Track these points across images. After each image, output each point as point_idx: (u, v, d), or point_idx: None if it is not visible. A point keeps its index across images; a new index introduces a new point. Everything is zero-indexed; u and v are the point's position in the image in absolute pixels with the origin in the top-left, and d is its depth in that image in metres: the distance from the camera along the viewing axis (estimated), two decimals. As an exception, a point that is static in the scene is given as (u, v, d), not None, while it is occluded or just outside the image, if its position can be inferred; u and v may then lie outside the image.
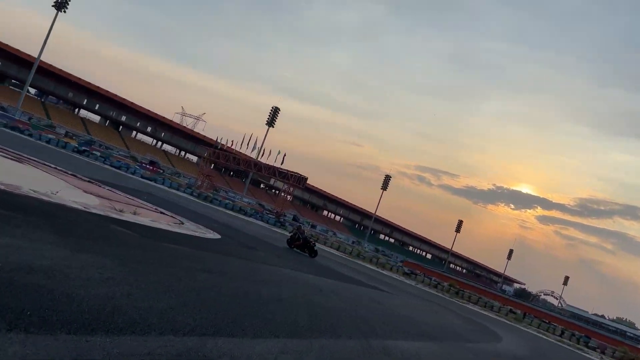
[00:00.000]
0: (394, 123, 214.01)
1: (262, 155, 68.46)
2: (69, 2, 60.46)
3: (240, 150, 70.07)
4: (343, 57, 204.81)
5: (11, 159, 17.28)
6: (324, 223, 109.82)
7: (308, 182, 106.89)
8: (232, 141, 67.56)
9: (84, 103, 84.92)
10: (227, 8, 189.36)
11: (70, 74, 78.56)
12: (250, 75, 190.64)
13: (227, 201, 46.26)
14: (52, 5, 59.13)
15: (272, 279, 10.61)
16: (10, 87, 77.49)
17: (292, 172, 59.72)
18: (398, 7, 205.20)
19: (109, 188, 19.52)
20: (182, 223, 17.25)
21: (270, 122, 78.73)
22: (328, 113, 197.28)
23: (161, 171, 66.14)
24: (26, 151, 24.29)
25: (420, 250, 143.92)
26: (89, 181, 19.31)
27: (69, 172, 19.76)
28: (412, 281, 42.01)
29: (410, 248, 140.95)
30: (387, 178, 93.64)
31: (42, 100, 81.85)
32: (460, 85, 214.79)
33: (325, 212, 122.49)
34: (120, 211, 12.89)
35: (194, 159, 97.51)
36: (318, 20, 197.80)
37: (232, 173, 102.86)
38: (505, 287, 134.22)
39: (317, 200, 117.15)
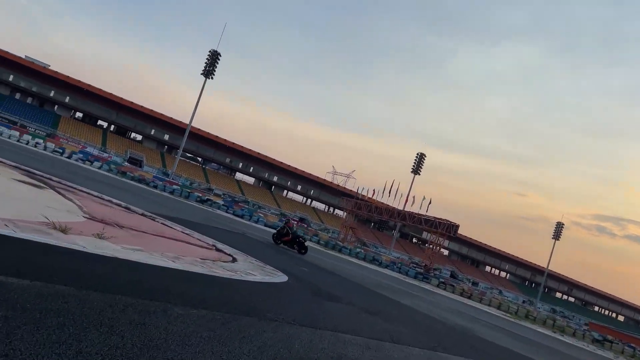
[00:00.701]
0: (564, 169, 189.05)
1: (407, 203, 61.25)
2: (215, 70, 62.29)
3: (382, 200, 63.92)
4: (499, 104, 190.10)
5: (29, 183, 13.30)
6: (487, 280, 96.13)
7: (466, 234, 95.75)
8: (374, 190, 61.75)
9: (240, 166, 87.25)
10: (375, 69, 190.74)
11: (225, 140, 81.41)
12: (401, 131, 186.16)
13: (357, 250, 39.69)
14: (201, 74, 61.28)
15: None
16: (174, 155, 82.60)
17: (441, 219, 51.25)
18: (558, 48, 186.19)
19: (164, 221, 14.56)
20: (234, 260, 11.40)
21: (416, 170, 71.52)
22: (486, 163, 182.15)
23: (304, 226, 62.66)
24: (126, 195, 21.11)
25: (609, 310, 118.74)
26: (141, 214, 14.65)
27: (122, 205, 15.36)
28: (606, 351, 30.20)
29: (596, 308, 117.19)
30: (559, 226, 78.95)
31: (204, 166, 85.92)
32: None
33: (488, 268, 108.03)
34: (62, 230, 7.34)
35: (343, 214, 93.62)
36: (468, 70, 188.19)
37: (380, 227, 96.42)
38: None
39: (476, 254, 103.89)
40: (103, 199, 15.31)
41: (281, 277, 11.15)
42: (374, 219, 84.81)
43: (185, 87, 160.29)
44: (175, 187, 41.13)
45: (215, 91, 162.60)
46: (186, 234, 13.57)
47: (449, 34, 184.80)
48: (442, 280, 42.00)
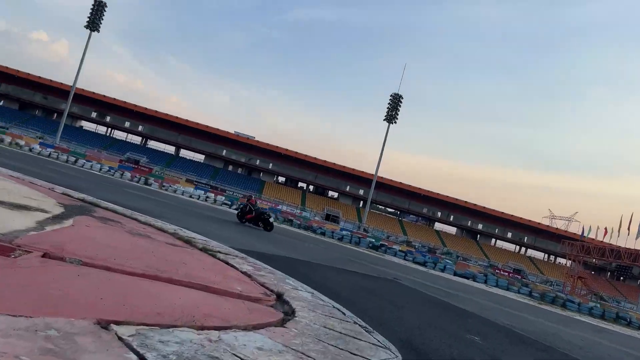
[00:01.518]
0: None
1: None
2: (397, 115, 58.04)
3: (618, 243, 48.79)
4: None
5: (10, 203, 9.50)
6: None
7: None
8: (605, 229, 47.61)
9: (439, 216, 79.58)
10: (588, 100, 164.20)
11: (420, 189, 75.39)
12: (633, 164, 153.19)
13: (591, 304, 28.11)
14: (384, 119, 57.64)
15: None
16: (370, 209, 79.38)
17: None
18: None
19: (232, 258, 9.36)
20: (287, 319, 5.36)
21: (664, 200, 53.93)
22: None
23: (518, 277, 51.38)
24: (246, 237, 17.01)
25: None
26: (201, 249, 9.76)
27: (185, 238, 10.74)
28: None
29: None
30: None
31: (400, 218, 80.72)
32: None
33: None
34: None
35: (567, 262, 76.64)
36: None
37: (620, 276, 75.81)
38: None
39: None
40: (163, 230, 10.92)
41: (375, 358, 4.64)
42: (610, 265, 67.05)
43: (378, 138, 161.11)
44: (344, 232, 36.51)
45: (404, 140, 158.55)
46: (248, 275, 8.03)
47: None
48: None
